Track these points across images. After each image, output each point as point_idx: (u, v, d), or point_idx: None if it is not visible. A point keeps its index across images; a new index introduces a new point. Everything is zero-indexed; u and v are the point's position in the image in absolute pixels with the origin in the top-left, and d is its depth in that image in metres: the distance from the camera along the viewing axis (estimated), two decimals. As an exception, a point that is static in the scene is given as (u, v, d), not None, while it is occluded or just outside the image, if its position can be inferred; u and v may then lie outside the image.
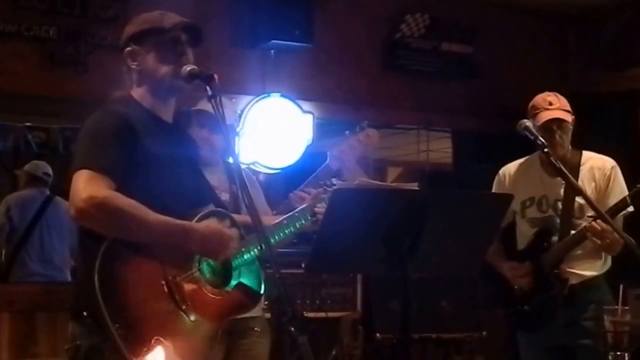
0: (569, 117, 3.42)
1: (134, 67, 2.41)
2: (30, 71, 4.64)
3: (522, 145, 3.38)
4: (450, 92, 5.81)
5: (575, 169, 3.41)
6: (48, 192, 5.47)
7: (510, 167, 3.58)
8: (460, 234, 2.49)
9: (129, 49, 2.43)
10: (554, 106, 3.39)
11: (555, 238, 3.43)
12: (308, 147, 5.30)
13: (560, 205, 3.43)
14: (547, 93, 3.46)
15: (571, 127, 3.43)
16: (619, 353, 3.12)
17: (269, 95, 5.17)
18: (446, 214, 2.44)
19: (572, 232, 3.40)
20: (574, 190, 3.28)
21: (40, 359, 4.28)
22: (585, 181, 3.42)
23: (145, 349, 2.17)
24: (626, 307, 3.05)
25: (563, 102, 3.44)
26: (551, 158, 3.17)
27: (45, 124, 5.68)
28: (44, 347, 4.31)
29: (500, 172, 3.61)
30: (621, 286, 3.42)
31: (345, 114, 5.68)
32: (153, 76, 2.39)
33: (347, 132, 3.09)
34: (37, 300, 4.42)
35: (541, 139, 3.19)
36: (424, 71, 5.72)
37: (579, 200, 3.39)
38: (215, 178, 3.21)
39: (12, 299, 4.43)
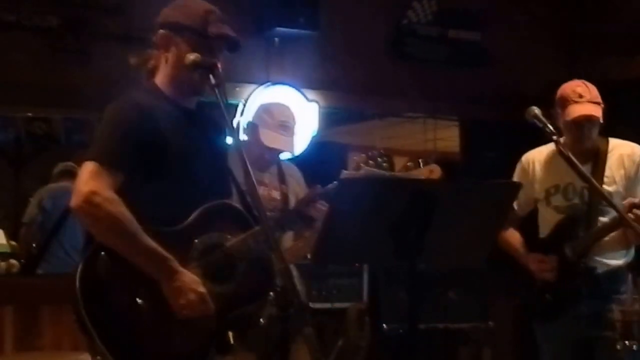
0: (599, 111, 3.32)
1: (163, 51, 2.40)
2: (32, 61, 4.62)
3: (531, 133, 3.32)
4: (457, 80, 5.77)
5: (602, 156, 3.35)
6: None
7: (534, 154, 3.50)
8: (468, 224, 2.46)
9: (163, 32, 2.39)
10: (584, 99, 3.29)
11: (581, 226, 3.36)
12: (314, 136, 5.27)
13: (587, 193, 3.35)
14: (576, 82, 3.36)
15: (601, 119, 3.34)
16: (627, 342, 3.09)
17: (273, 84, 5.13)
18: (454, 204, 2.41)
19: (601, 219, 3.33)
20: (584, 179, 3.23)
21: (45, 351, 4.27)
22: (613, 168, 3.36)
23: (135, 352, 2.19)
24: (635, 297, 3.02)
25: (594, 93, 3.34)
26: (560, 147, 3.14)
27: (47, 114, 5.66)
28: (49, 340, 4.29)
29: (523, 159, 3.53)
30: (630, 275, 3.39)
31: (351, 102, 5.65)
32: (179, 71, 2.38)
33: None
34: (41, 293, 4.41)
35: (550, 127, 3.14)
36: (431, 59, 5.68)
37: (607, 187, 3.33)
38: (267, 175, 3.21)
39: (16, 291, 4.42)
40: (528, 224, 3.53)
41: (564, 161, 3.32)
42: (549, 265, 3.37)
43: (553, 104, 3.40)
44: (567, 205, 3.40)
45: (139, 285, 2.25)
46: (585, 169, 3.33)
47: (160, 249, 2.23)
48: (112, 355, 2.18)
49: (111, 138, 2.28)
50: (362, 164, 2.76)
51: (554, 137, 3.13)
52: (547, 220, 3.45)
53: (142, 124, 2.29)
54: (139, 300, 2.24)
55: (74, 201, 2.21)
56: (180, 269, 2.25)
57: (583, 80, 3.37)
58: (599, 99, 3.35)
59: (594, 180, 3.20)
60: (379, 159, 2.77)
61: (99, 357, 2.23)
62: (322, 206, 2.75)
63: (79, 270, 2.22)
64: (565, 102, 3.31)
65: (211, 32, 2.35)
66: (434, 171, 2.95)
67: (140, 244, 2.21)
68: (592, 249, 3.33)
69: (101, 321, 2.19)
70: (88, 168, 2.23)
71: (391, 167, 2.80)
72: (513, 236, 3.51)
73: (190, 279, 2.25)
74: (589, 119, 3.30)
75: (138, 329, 2.23)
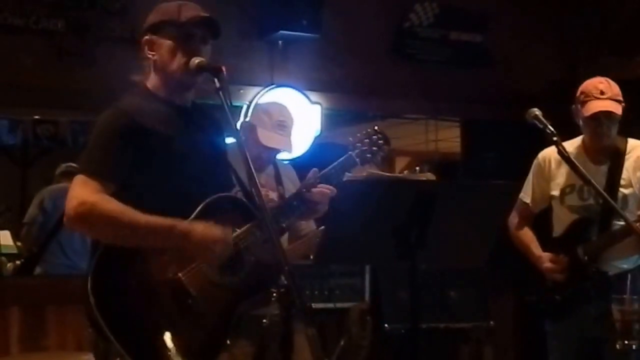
0: (619, 109, 3.31)
1: (150, 56, 2.45)
2: (39, 64, 4.62)
3: (533, 134, 3.34)
4: (459, 81, 5.79)
5: (620, 157, 3.35)
6: None
7: (551, 153, 3.46)
8: (469, 225, 2.49)
9: (146, 37, 2.46)
10: (605, 95, 3.28)
11: (595, 228, 3.36)
12: (316, 137, 5.30)
13: None
14: (599, 79, 3.35)
15: (620, 117, 3.33)
16: (627, 342, 3.10)
17: (277, 86, 5.16)
18: (454, 204, 2.45)
19: (615, 222, 3.31)
20: (585, 181, 3.22)
21: (50, 351, 4.29)
22: (630, 170, 3.35)
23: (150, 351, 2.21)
24: (634, 297, 3.03)
25: (615, 90, 3.33)
26: (560, 148, 3.13)
27: (53, 117, 5.68)
28: (54, 340, 4.31)
29: (540, 156, 3.51)
30: (629, 275, 3.40)
31: (353, 104, 5.67)
32: (165, 69, 2.43)
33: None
34: (47, 293, 4.43)
35: (551, 128, 3.11)
36: (432, 60, 5.70)
37: (624, 190, 3.32)
38: (263, 176, 3.23)
39: (22, 292, 4.44)
40: (541, 222, 3.53)
41: (578, 162, 3.28)
42: (560, 266, 3.36)
43: (573, 100, 3.39)
44: (581, 205, 3.39)
45: (150, 283, 2.27)
46: (602, 170, 3.34)
47: (162, 220, 2.25)
48: (131, 355, 2.20)
49: (98, 150, 2.32)
50: (357, 144, 2.81)
51: (555, 139, 3.12)
52: (561, 220, 3.45)
53: (132, 128, 2.31)
54: (154, 296, 2.26)
55: (66, 216, 2.26)
56: (190, 225, 2.28)
57: (606, 78, 3.36)
58: (621, 97, 3.33)
59: (594, 183, 3.18)
60: (374, 137, 2.82)
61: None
62: (323, 189, 2.79)
63: (90, 275, 2.23)
64: (586, 97, 3.30)
65: (184, 17, 2.40)
66: (429, 177, 3.00)
67: (142, 227, 2.24)
68: (604, 252, 3.32)
69: (117, 322, 2.20)
70: (77, 181, 2.29)
71: (386, 142, 2.85)
72: (526, 234, 3.52)
73: (204, 230, 2.28)
74: (607, 115, 3.28)
75: (153, 326, 2.25)
